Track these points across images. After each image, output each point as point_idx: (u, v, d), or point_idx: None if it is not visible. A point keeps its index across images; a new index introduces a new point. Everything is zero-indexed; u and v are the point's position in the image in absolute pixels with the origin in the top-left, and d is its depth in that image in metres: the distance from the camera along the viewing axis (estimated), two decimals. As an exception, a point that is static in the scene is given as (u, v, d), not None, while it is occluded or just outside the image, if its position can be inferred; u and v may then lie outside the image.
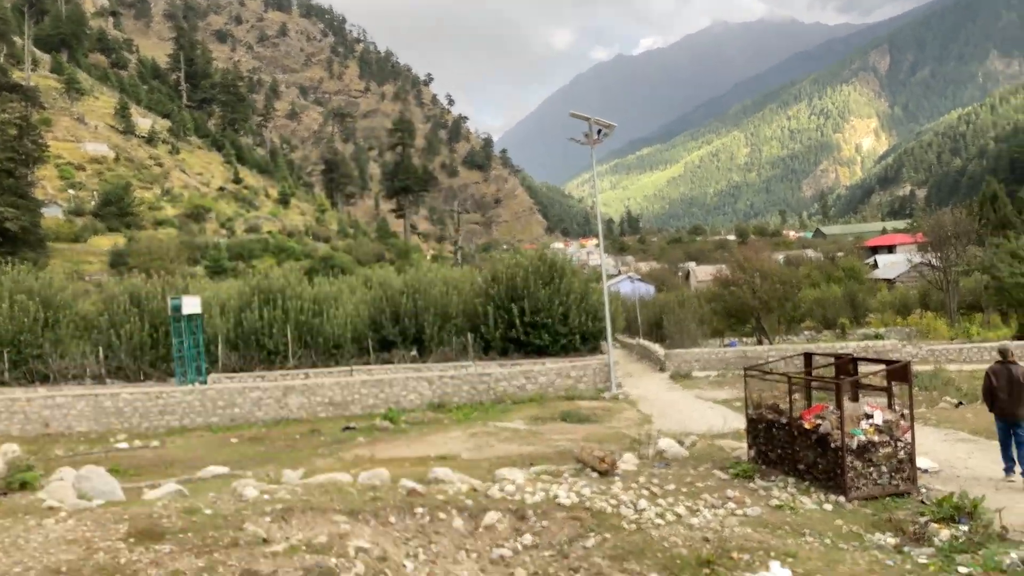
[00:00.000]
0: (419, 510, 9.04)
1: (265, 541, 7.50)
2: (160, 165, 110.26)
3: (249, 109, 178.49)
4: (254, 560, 6.87)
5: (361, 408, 23.43)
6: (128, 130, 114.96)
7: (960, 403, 18.75)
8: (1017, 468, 11.05)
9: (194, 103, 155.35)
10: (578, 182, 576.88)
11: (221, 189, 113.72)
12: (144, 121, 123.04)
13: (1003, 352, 11.39)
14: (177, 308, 25.49)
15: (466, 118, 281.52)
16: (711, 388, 25.62)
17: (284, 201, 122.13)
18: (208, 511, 8.69)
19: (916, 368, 20.56)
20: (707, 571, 7.51)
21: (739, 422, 14.67)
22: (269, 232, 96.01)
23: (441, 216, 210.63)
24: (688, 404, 22.14)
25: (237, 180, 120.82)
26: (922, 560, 7.89)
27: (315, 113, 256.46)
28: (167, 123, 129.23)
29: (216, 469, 13.43)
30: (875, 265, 74.02)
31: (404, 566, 7.85)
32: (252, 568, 6.69)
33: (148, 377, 28.02)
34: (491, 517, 9.06)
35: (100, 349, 27.89)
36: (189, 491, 10.61)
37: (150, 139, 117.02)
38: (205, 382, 25.82)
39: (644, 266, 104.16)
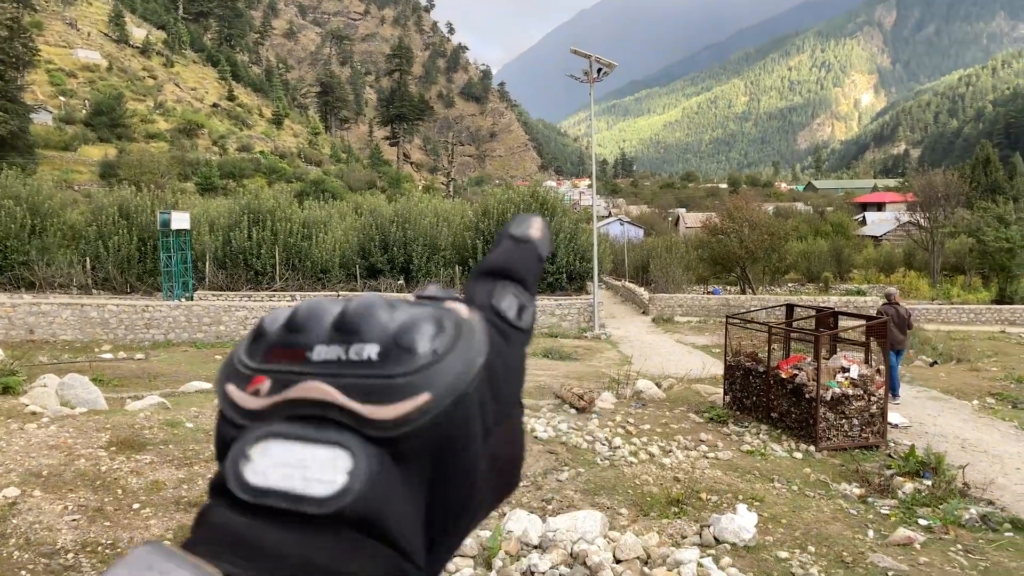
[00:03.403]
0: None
1: (246, 456, 7.64)
2: (154, 77, 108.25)
3: (246, 25, 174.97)
4: (234, 474, 7.01)
5: (345, 334, 23.57)
6: (122, 39, 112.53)
7: (935, 362, 19.06)
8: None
9: (190, 15, 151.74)
10: (574, 120, 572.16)
11: (215, 106, 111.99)
12: (139, 31, 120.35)
13: (888, 296, 13.96)
14: (166, 223, 25.34)
15: (466, 48, 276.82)
16: (692, 333, 25.88)
17: (278, 122, 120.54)
18: (190, 424, 8.82)
19: (895, 326, 20.76)
20: (676, 509, 7.72)
21: (717, 368, 14.90)
22: (261, 152, 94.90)
23: (435, 147, 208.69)
24: (668, 347, 22.39)
25: (231, 97, 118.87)
26: (884, 511, 8.13)
27: (313, 34, 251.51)
28: (162, 34, 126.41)
29: (199, 384, 13.56)
30: (863, 222, 74.15)
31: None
32: (232, 481, 6.83)
33: (135, 290, 27.99)
34: (468, 446, 9.23)
35: (87, 259, 27.80)
36: (172, 404, 10.74)
37: (144, 50, 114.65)
38: (192, 298, 25.85)
39: (635, 209, 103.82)
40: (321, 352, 0.39)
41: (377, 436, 0.36)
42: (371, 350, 0.38)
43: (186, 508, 6.43)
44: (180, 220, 25.79)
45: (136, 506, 6.38)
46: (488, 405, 0.39)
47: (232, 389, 0.40)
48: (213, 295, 27.48)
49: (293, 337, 0.41)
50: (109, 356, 18.44)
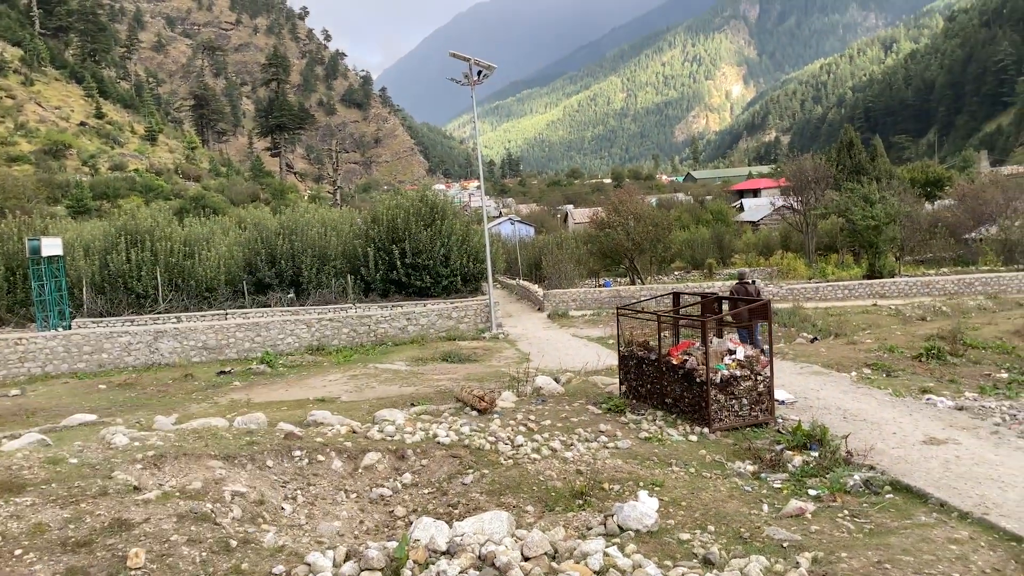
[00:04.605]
0: (297, 453, 9.02)
1: (136, 489, 7.34)
2: (12, 97, 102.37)
3: (111, 39, 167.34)
4: (124, 509, 6.72)
5: (237, 352, 22.94)
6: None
7: (815, 338, 19.94)
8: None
9: (48, 31, 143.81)
10: (459, 123, 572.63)
11: (82, 124, 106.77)
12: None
13: (741, 276, 15.05)
14: (35, 250, 24.07)
15: (344, 54, 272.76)
16: (586, 327, 26.30)
17: (151, 138, 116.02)
18: (74, 460, 8.40)
19: (776, 306, 21.68)
20: (580, 502, 7.84)
21: (612, 359, 15.19)
22: (136, 170, 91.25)
23: (319, 155, 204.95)
24: (564, 342, 22.69)
25: (99, 115, 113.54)
26: (777, 485, 8.48)
27: (183, 46, 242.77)
28: (18, 51, 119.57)
29: (83, 417, 12.93)
30: (741, 208, 76.97)
31: (282, 508, 7.85)
32: (122, 517, 6.55)
33: (5, 323, 26.51)
34: (370, 458, 9.13)
35: (-52, 294, 26.15)
36: (53, 440, 10.21)
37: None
38: (69, 327, 24.63)
39: (524, 208, 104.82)
40: None
41: None
42: None
43: (74, 549, 6.12)
44: (51, 246, 24.54)
45: (19, 552, 6.04)
46: None
47: None
48: (93, 322, 26.26)
49: None
50: (-20, 395, 17.38)
